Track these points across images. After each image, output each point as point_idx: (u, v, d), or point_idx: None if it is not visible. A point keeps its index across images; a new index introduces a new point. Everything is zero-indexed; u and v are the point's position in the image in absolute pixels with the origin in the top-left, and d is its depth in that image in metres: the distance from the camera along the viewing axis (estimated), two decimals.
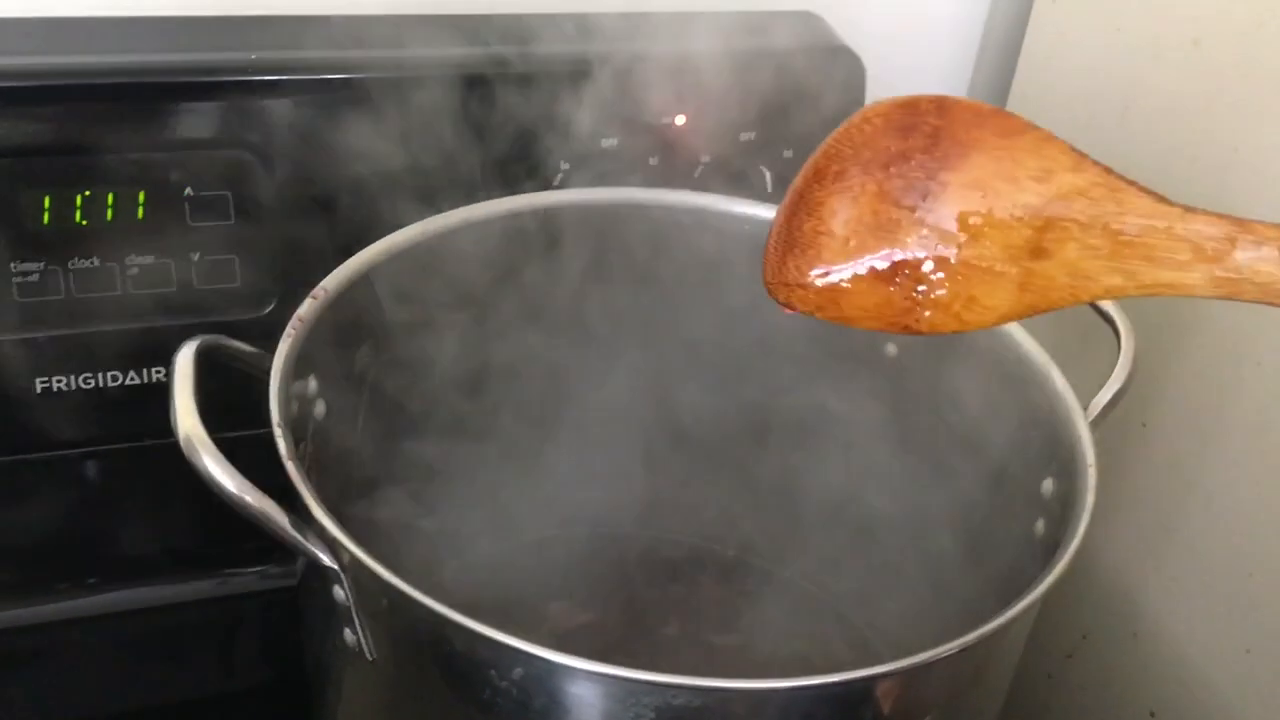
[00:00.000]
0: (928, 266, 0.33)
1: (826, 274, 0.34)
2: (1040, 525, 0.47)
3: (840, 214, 0.34)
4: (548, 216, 0.56)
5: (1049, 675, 0.75)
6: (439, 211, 0.53)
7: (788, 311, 0.36)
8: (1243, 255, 0.30)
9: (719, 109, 0.62)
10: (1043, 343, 0.50)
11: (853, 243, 0.34)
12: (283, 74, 0.55)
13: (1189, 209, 0.31)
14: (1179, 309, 0.63)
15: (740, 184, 0.63)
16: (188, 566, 0.62)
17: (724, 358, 0.60)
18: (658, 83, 0.61)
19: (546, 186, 0.59)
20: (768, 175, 0.64)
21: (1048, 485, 0.48)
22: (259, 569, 0.62)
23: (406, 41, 0.59)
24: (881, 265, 0.34)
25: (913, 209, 0.33)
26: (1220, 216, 0.31)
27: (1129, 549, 0.68)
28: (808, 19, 0.68)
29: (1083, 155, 0.32)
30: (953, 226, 0.33)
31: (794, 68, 0.63)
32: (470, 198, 0.55)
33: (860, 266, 0.34)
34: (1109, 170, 0.32)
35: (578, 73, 0.60)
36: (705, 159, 0.63)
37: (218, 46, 0.56)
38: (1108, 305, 0.51)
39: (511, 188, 0.58)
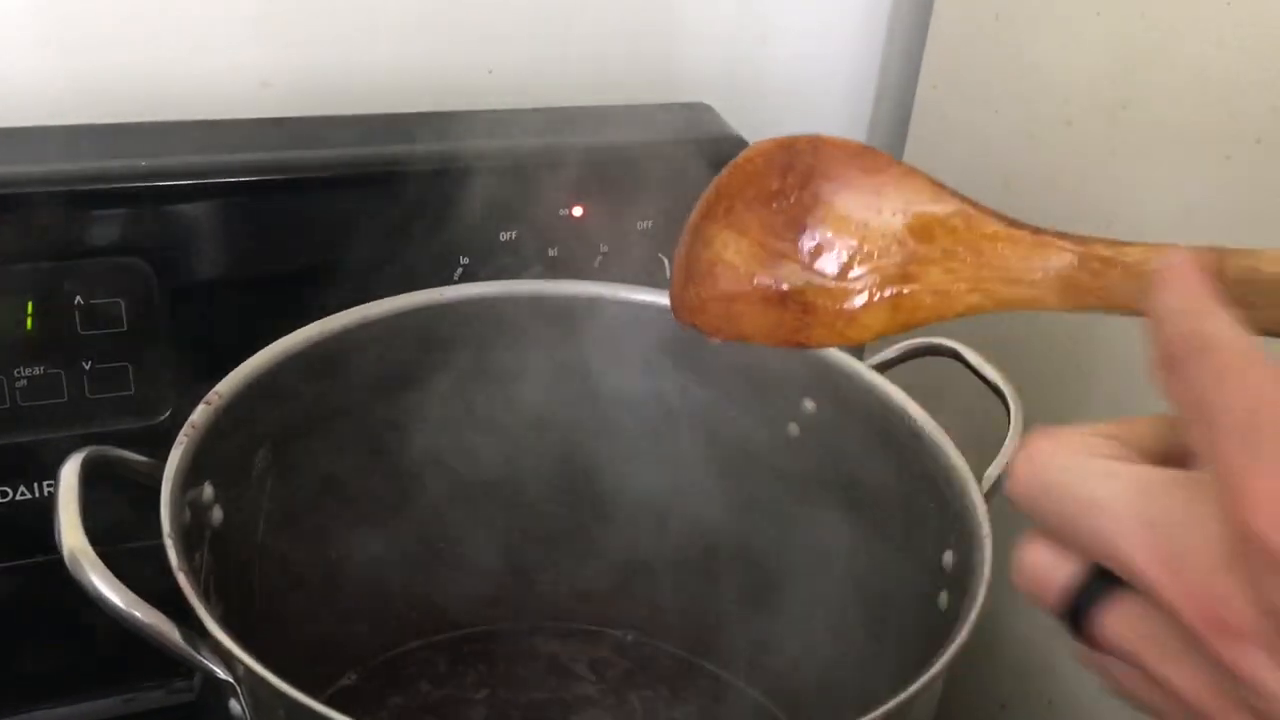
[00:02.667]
0: (810, 291, 0.36)
1: (723, 299, 0.37)
2: (944, 598, 0.48)
3: (731, 245, 0.37)
4: (447, 312, 0.56)
5: None
6: (335, 311, 0.53)
7: (690, 331, 0.39)
8: (1086, 270, 0.33)
9: (616, 200, 0.64)
10: (935, 415, 0.51)
11: (744, 272, 0.37)
12: (174, 180, 0.55)
13: (1037, 230, 0.34)
14: (1067, 373, 0.65)
15: (640, 272, 0.64)
16: (92, 685, 0.60)
17: (629, 442, 0.60)
18: (555, 175, 0.62)
19: (446, 282, 0.59)
20: (667, 263, 0.65)
21: (948, 557, 0.48)
22: (163, 684, 0.61)
23: (299, 142, 0.59)
24: (770, 292, 0.37)
25: (794, 240, 0.36)
26: (1064, 236, 0.34)
27: (1039, 616, 0.68)
28: (700, 110, 0.70)
29: (942, 187, 0.35)
30: (828, 255, 0.36)
31: (688, 157, 0.64)
32: (367, 296, 0.55)
33: (752, 292, 0.37)
34: (967, 200, 0.35)
35: (474, 167, 0.61)
36: (604, 249, 0.64)
37: (106, 154, 0.56)
38: (995, 377, 0.52)
39: (410, 284, 0.58)
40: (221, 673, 0.38)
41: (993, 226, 0.34)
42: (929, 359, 0.55)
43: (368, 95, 0.67)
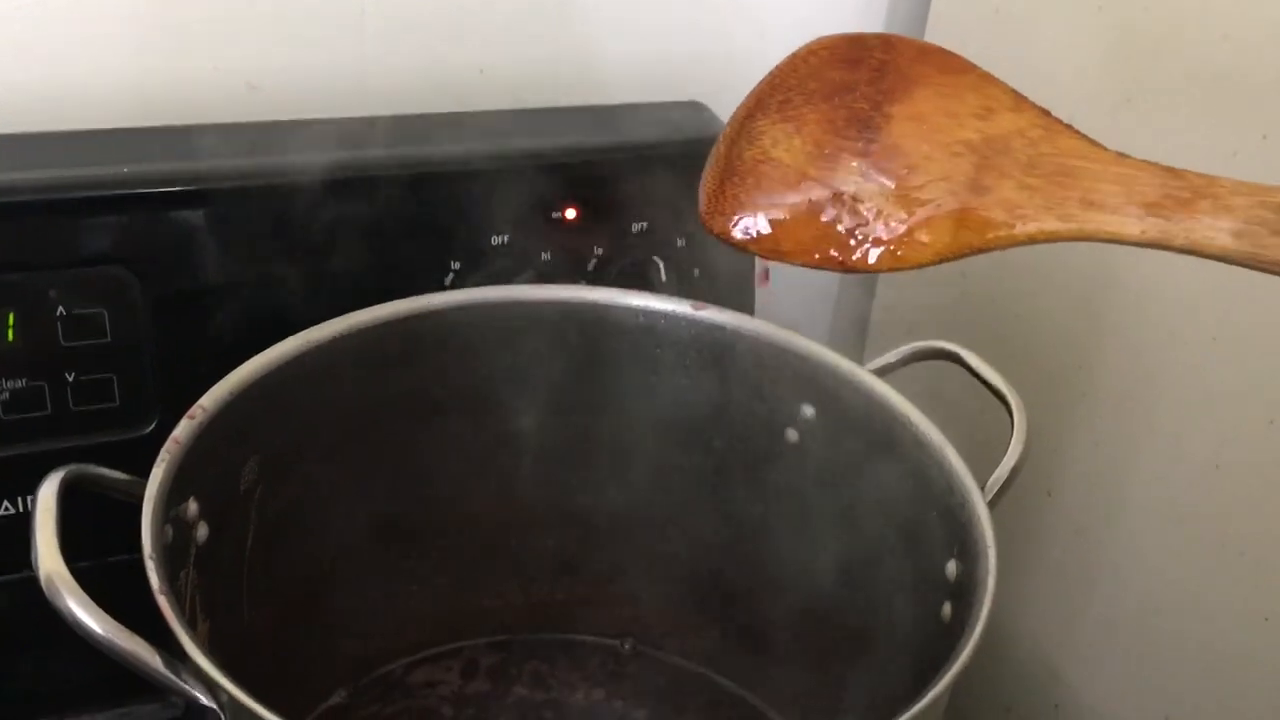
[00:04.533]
0: (868, 199, 0.33)
1: (765, 202, 0.34)
2: (947, 608, 0.47)
3: (782, 143, 0.33)
4: (437, 319, 0.55)
5: None
6: (323, 320, 0.52)
7: (723, 243, 0.35)
8: (1172, 203, 0.30)
9: (609, 202, 0.63)
10: (936, 421, 0.50)
11: (793, 172, 0.33)
12: (156, 187, 0.54)
13: (1122, 155, 0.32)
14: (1070, 377, 0.64)
15: (635, 276, 0.63)
16: (84, 701, 0.59)
17: (625, 449, 0.59)
18: (547, 178, 0.61)
19: (436, 288, 0.58)
20: (662, 265, 0.64)
21: (951, 568, 0.47)
22: (158, 698, 0.60)
23: (286, 147, 0.58)
24: (821, 197, 0.33)
25: (855, 140, 0.33)
26: (1153, 165, 0.31)
27: (1046, 619, 0.68)
28: (695, 109, 0.68)
29: (1022, 96, 0.33)
30: (894, 159, 0.33)
31: (683, 157, 0.63)
32: (356, 304, 0.54)
33: (799, 197, 0.33)
34: (1047, 112, 0.33)
35: (465, 170, 0.60)
36: (598, 252, 0.63)
37: (89, 160, 0.55)
38: (997, 381, 0.51)
39: (399, 291, 0.57)
40: (204, 699, 0.37)
41: (1075, 142, 0.32)
42: (930, 363, 0.54)
43: (356, 98, 0.66)
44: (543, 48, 0.70)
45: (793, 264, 0.34)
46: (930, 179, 0.32)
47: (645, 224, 0.64)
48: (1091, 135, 0.61)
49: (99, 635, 0.37)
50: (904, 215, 0.33)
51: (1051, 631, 0.67)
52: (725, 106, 0.69)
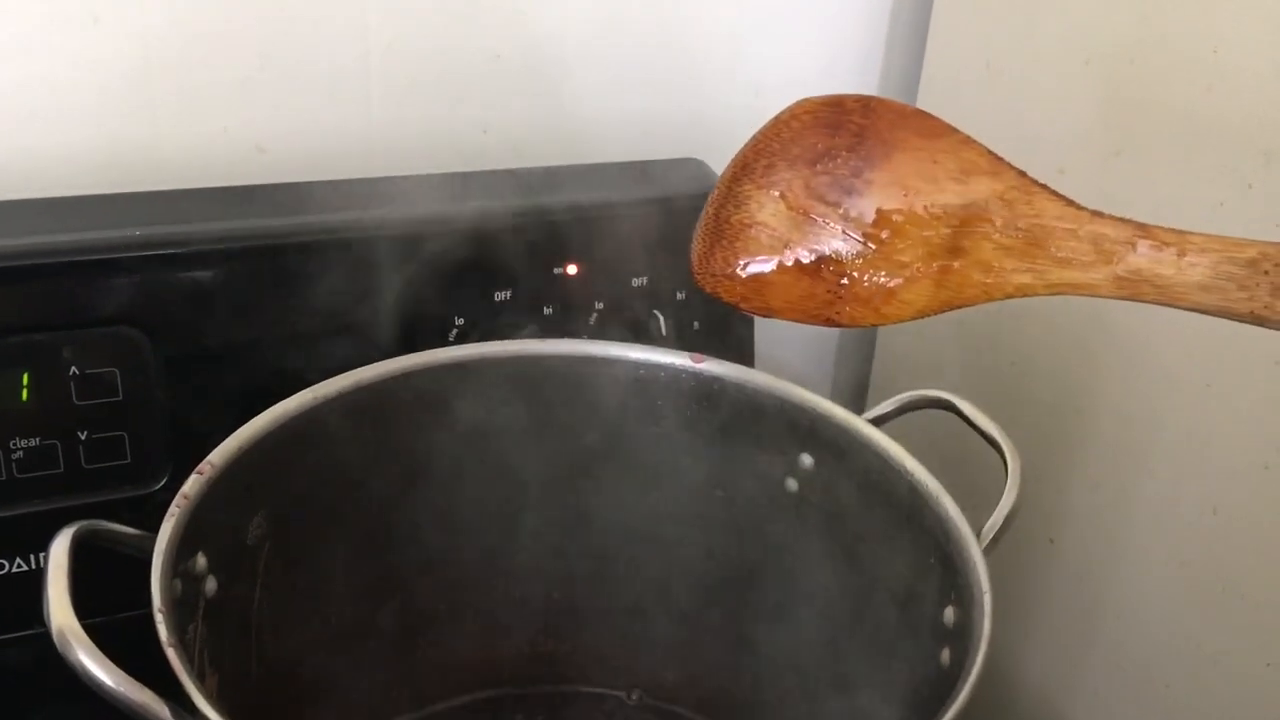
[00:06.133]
0: (850, 261, 0.34)
1: (752, 266, 0.35)
2: (945, 655, 0.47)
3: (767, 207, 0.35)
4: (441, 373, 0.56)
5: None
6: (330, 376, 0.53)
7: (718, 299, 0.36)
8: (1143, 258, 0.31)
9: (610, 257, 0.64)
10: (931, 469, 0.51)
11: (778, 236, 0.35)
12: (168, 248, 0.55)
13: (1096, 213, 0.33)
14: (1070, 423, 0.65)
15: (635, 329, 0.64)
16: None
17: (628, 501, 0.60)
18: (548, 234, 0.63)
19: (441, 343, 0.59)
20: (662, 319, 0.65)
21: (949, 614, 0.48)
22: None
23: (294, 208, 0.59)
24: (806, 259, 0.34)
25: (837, 205, 0.34)
26: (1124, 221, 0.32)
27: (1050, 664, 0.68)
28: (693, 165, 0.70)
29: (999, 159, 0.34)
30: (875, 223, 0.34)
31: (681, 212, 0.64)
32: (362, 360, 0.55)
33: (785, 259, 0.35)
34: (1023, 174, 0.33)
35: (469, 229, 0.61)
36: (599, 306, 0.64)
37: (100, 224, 0.56)
38: (991, 429, 0.52)
39: (405, 346, 0.58)
40: None
41: (1050, 203, 0.32)
42: (924, 412, 0.55)
43: (363, 159, 0.68)
44: (544, 108, 0.72)
45: (782, 319, 0.36)
46: (909, 243, 0.34)
47: (645, 279, 0.65)
48: (1082, 188, 0.62)
49: (110, 688, 0.37)
50: (885, 276, 0.34)
51: (1055, 677, 0.67)
52: (722, 163, 0.71)
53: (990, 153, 0.34)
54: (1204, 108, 0.56)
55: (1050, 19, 0.65)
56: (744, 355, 0.68)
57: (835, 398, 0.55)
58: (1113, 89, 0.61)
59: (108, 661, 0.38)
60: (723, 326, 0.66)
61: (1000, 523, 0.49)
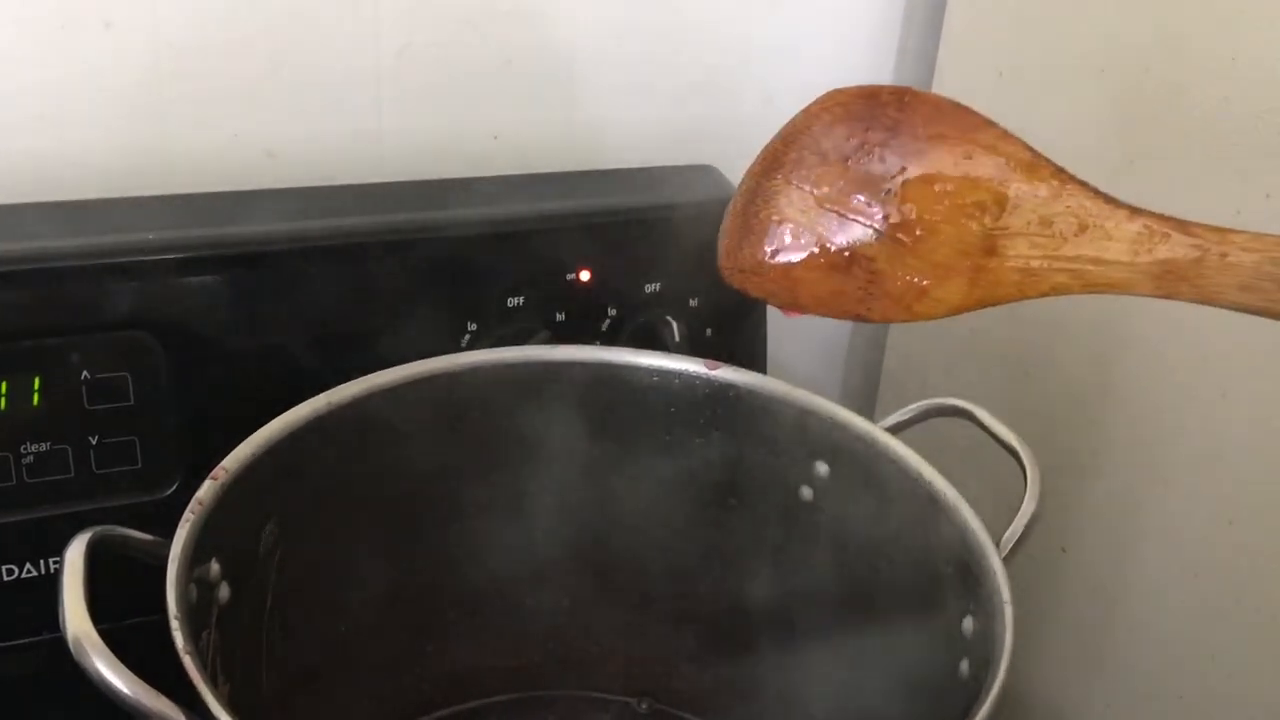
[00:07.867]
0: (882, 257, 0.33)
1: (782, 261, 0.34)
2: (965, 665, 0.47)
3: (797, 203, 0.34)
4: (455, 380, 0.56)
5: None
6: (342, 381, 0.53)
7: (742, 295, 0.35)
8: (1182, 256, 0.31)
9: (623, 263, 0.64)
10: (950, 477, 0.50)
11: (808, 231, 0.34)
12: (179, 252, 0.55)
13: (1134, 209, 0.32)
14: (1084, 433, 0.65)
15: (648, 336, 0.64)
16: None
17: (641, 508, 0.60)
18: (561, 240, 0.62)
19: (453, 349, 0.59)
20: (675, 325, 0.65)
21: (968, 624, 0.47)
22: None
23: (307, 212, 0.59)
24: (837, 254, 0.33)
25: (869, 200, 0.33)
26: (1164, 218, 0.31)
27: (1062, 675, 0.68)
28: (705, 171, 0.70)
29: (1038, 154, 0.33)
30: (908, 219, 0.33)
31: (695, 219, 0.64)
32: (374, 365, 0.54)
33: (815, 255, 0.34)
34: (1062, 170, 0.33)
35: (480, 233, 0.61)
36: (612, 312, 0.64)
37: (111, 228, 0.56)
38: (1009, 437, 0.51)
39: (417, 352, 0.57)
40: None
41: (1088, 200, 0.32)
42: (941, 419, 0.55)
43: (373, 164, 0.67)
44: (555, 114, 0.72)
45: (810, 314, 0.35)
46: (943, 240, 0.33)
47: (658, 285, 0.65)
48: None
49: (126, 695, 0.37)
50: (918, 274, 0.33)
51: (1069, 688, 0.67)
52: (734, 169, 0.70)
53: (1029, 148, 0.33)
54: (1220, 116, 0.56)
55: (1064, 27, 0.65)
56: (757, 362, 0.67)
57: (846, 401, 0.55)
58: (1127, 97, 0.61)
59: (124, 669, 0.37)
60: (736, 333, 0.66)
61: (1020, 531, 0.48)
